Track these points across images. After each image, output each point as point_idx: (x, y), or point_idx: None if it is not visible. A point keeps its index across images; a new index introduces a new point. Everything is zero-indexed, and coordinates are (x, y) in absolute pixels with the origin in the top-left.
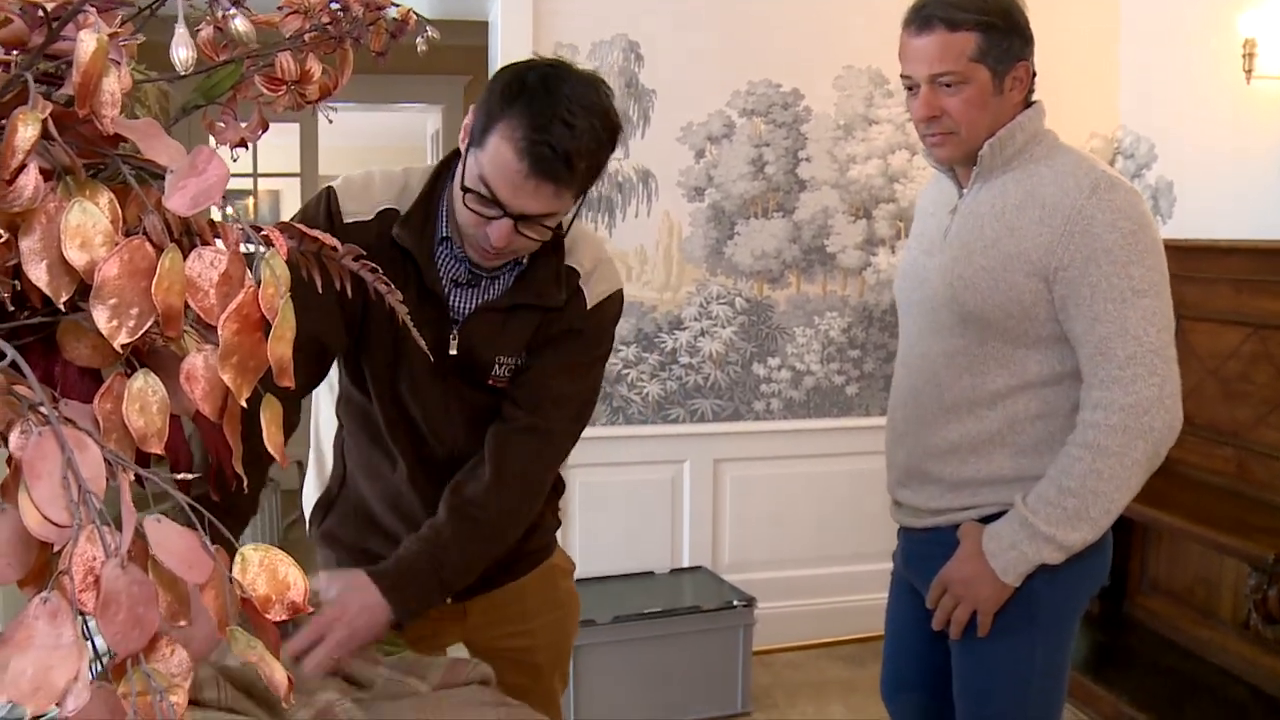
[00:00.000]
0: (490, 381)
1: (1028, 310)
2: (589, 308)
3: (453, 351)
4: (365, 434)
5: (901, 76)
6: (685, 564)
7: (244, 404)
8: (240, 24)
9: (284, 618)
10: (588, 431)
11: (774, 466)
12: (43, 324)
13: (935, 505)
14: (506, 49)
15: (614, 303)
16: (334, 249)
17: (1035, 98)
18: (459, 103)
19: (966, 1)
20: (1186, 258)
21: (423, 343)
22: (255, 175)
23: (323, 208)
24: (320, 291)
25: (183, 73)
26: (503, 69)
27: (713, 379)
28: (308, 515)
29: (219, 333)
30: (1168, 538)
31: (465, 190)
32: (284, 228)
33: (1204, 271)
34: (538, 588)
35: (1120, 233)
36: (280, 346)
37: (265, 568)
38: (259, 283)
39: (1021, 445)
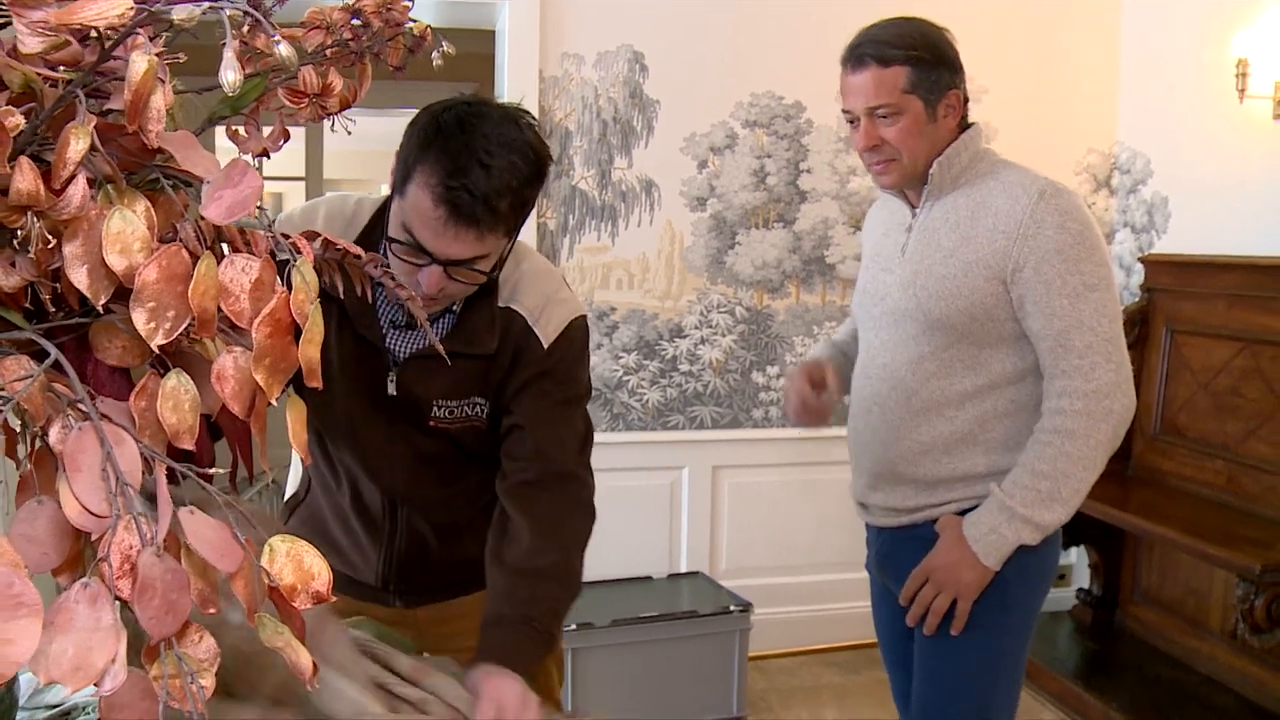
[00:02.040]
0: (431, 423)
1: (990, 312)
2: (546, 348)
3: (391, 393)
4: (320, 451)
5: (843, 111)
6: (683, 569)
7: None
8: (284, 49)
9: (309, 605)
10: None
11: (772, 474)
12: (77, 324)
13: (909, 504)
14: (513, 59)
15: (574, 333)
16: (356, 256)
17: (972, 120)
18: None
19: (896, 39)
20: (1181, 273)
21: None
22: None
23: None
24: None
25: (230, 93)
26: (421, 111)
27: (712, 386)
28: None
29: (253, 335)
30: (1159, 549)
31: (390, 240)
32: (310, 236)
33: (1197, 286)
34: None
35: (1069, 233)
36: (310, 349)
37: (292, 558)
38: (289, 289)
39: (991, 442)
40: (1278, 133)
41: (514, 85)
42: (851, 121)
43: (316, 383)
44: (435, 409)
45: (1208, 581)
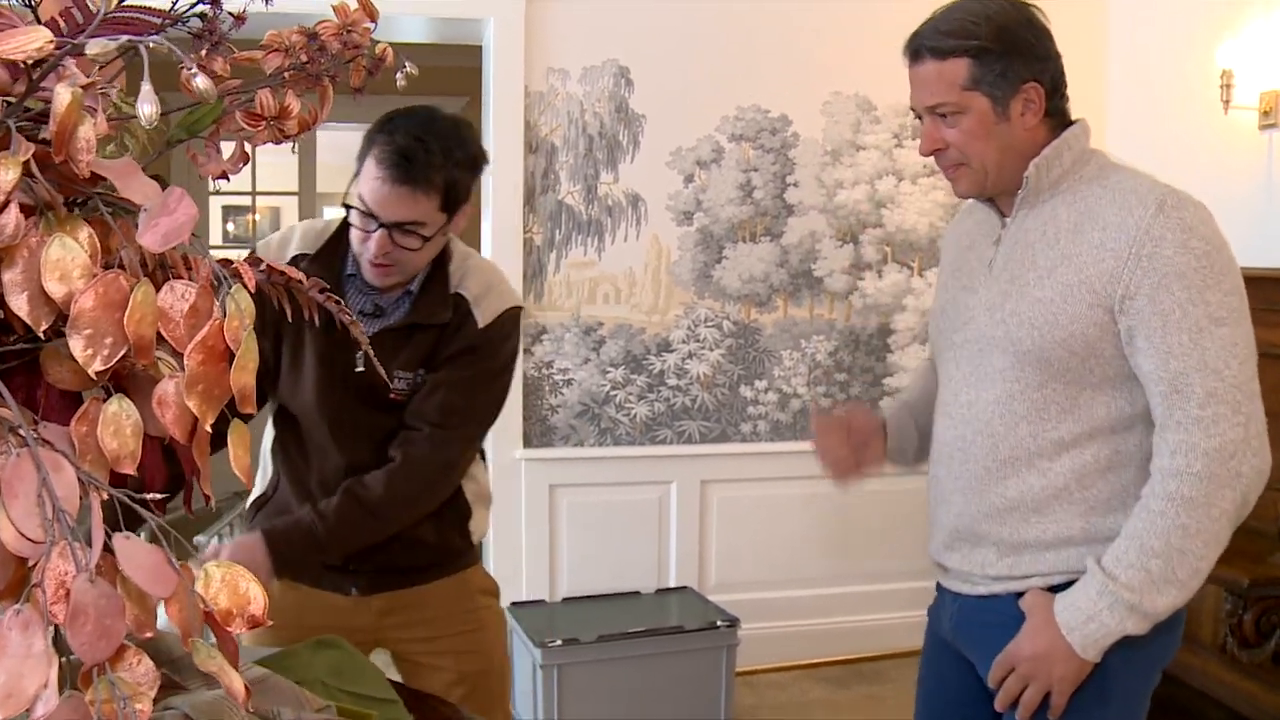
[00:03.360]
0: (392, 395)
1: (1092, 346)
2: (480, 327)
3: (358, 369)
4: (291, 439)
5: (910, 109)
6: (671, 584)
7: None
8: (201, 82)
9: (244, 629)
10: (576, 451)
11: (760, 488)
12: (26, 350)
13: (992, 571)
14: (498, 74)
15: (507, 320)
16: (300, 282)
17: (1077, 116)
18: None
19: (954, 27)
20: None
21: (380, 371)
22: (254, 193)
23: None
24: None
25: (147, 126)
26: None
27: (700, 401)
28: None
29: (185, 362)
30: None
31: (347, 208)
32: (253, 261)
33: None
34: (445, 599)
35: (1193, 254)
36: (243, 376)
37: (227, 583)
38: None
39: (1092, 501)
40: (1263, 144)
41: (500, 100)
42: (919, 119)
43: (251, 409)
44: (396, 381)
45: (1199, 595)
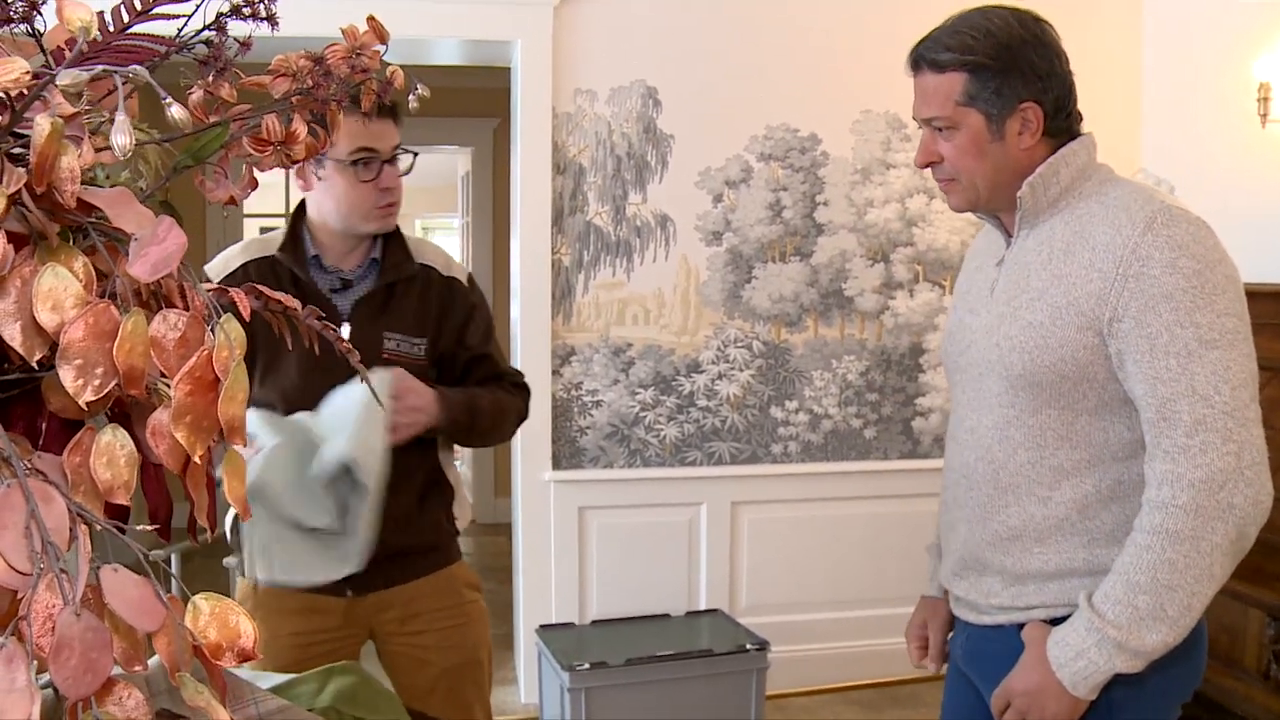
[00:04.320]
0: (385, 356)
1: (1084, 370)
2: (466, 285)
3: (345, 338)
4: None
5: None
6: (702, 606)
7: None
8: (176, 111)
9: (235, 664)
10: (605, 473)
11: (791, 510)
12: (28, 379)
13: (996, 601)
14: (527, 95)
15: (473, 279)
16: (295, 310)
17: (1085, 129)
18: (489, 144)
19: (954, 41)
20: None
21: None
22: (288, 215)
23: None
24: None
25: (121, 157)
26: None
27: (730, 422)
28: (227, 526)
29: (173, 393)
30: None
31: (352, 163)
32: (249, 290)
33: None
34: (434, 593)
35: (1182, 274)
36: (231, 407)
37: (216, 616)
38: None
39: (1094, 532)
40: None
41: (528, 121)
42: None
43: (241, 441)
44: (387, 342)
45: (1242, 619)
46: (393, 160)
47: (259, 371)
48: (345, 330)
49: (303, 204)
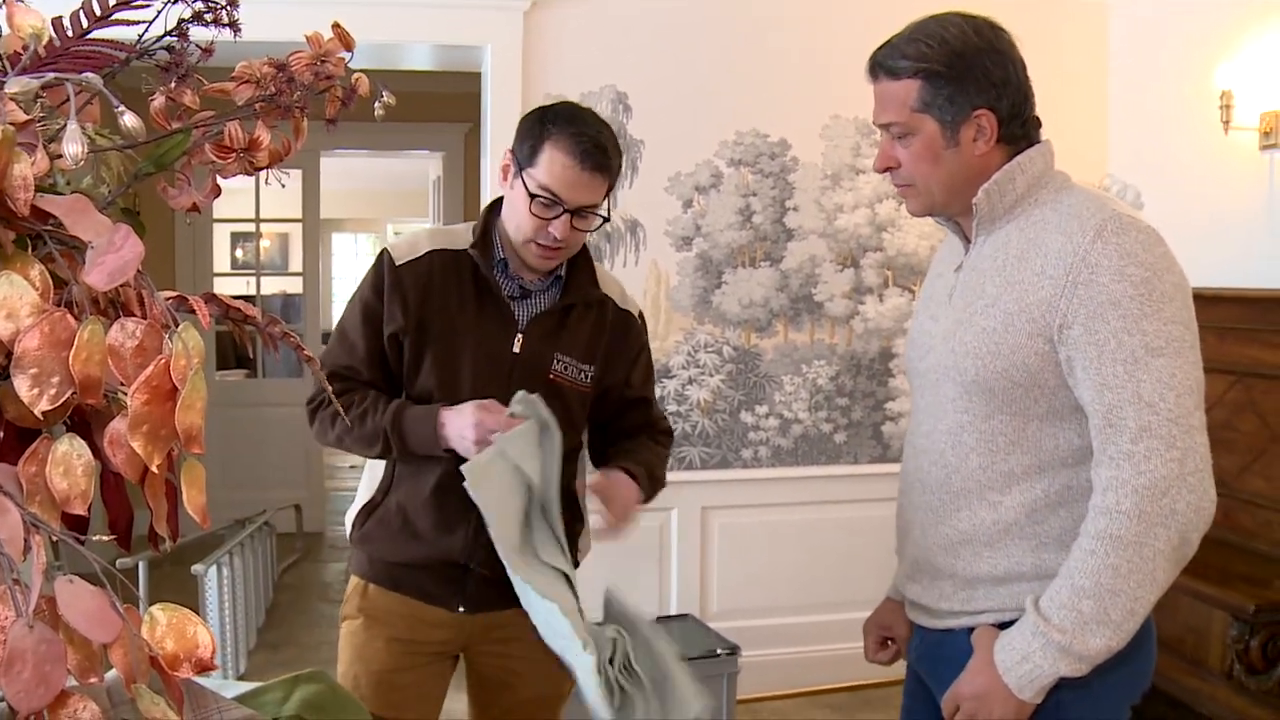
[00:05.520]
0: (551, 376)
1: (1034, 376)
2: (640, 323)
3: (516, 350)
4: None
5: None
6: (673, 611)
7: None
8: (129, 119)
9: (192, 674)
10: None
11: (762, 514)
12: None
13: (948, 605)
14: (496, 100)
15: (644, 316)
16: (255, 318)
17: (1049, 136)
18: (459, 149)
19: (909, 48)
20: None
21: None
22: (257, 220)
23: (382, 261)
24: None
25: (74, 165)
26: (527, 114)
27: (701, 427)
28: (349, 522)
29: (129, 402)
30: None
31: (533, 197)
32: (208, 299)
33: None
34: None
35: (1130, 281)
36: (189, 416)
37: (173, 627)
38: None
39: (1043, 537)
40: (1264, 164)
41: (498, 126)
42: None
43: (199, 449)
44: (555, 362)
45: (1206, 620)
46: (580, 213)
47: (429, 365)
48: (518, 342)
49: (495, 203)
